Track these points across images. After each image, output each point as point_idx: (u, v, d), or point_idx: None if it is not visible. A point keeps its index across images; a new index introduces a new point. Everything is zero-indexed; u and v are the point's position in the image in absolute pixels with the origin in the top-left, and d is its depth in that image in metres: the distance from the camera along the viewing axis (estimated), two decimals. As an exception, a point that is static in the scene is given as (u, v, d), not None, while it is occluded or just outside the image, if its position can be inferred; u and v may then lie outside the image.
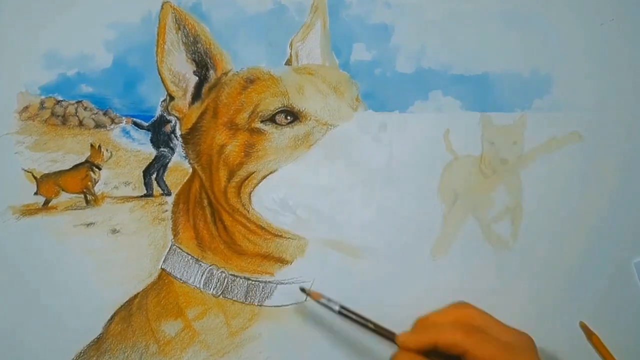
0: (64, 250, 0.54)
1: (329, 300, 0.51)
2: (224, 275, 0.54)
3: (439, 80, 0.57)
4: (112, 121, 0.56)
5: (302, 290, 0.52)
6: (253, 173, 0.55)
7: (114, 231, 0.55)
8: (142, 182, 0.55)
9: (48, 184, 0.55)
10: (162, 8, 0.56)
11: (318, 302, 0.51)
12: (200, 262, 0.54)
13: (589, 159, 0.56)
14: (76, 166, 0.55)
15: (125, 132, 0.56)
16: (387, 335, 0.50)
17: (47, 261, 0.54)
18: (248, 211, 0.55)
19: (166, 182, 0.55)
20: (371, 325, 0.50)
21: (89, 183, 0.55)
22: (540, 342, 0.56)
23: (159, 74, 0.56)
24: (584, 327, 0.55)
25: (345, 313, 0.50)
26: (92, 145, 0.55)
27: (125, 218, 0.55)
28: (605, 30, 0.57)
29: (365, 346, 0.54)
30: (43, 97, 0.55)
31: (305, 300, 0.54)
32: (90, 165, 0.55)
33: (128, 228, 0.55)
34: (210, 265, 0.55)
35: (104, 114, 0.56)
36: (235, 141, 0.55)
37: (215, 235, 0.55)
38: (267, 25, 0.57)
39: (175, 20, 0.55)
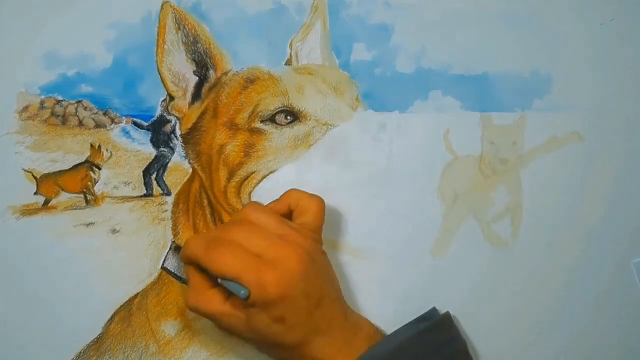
0: (63, 250, 0.54)
1: None
2: (223, 275, 0.54)
3: (439, 80, 0.57)
4: (112, 121, 0.56)
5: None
6: (253, 173, 0.55)
7: (114, 231, 0.54)
8: (142, 181, 0.55)
9: (48, 183, 0.55)
10: (162, 8, 0.56)
11: None
12: (200, 262, 0.54)
13: (589, 159, 0.56)
14: (76, 166, 0.55)
15: (125, 132, 0.56)
16: None
17: (47, 261, 0.54)
18: (248, 211, 0.55)
19: (166, 182, 0.55)
20: None
21: (89, 183, 0.55)
22: (541, 341, 0.56)
23: (159, 74, 0.55)
24: None
25: None
26: (92, 145, 0.55)
27: (125, 218, 0.55)
28: (605, 30, 0.57)
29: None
30: (43, 97, 0.55)
31: None
32: (90, 165, 0.55)
33: (128, 228, 0.55)
34: (210, 265, 0.55)
35: (104, 113, 0.56)
36: (235, 141, 0.55)
37: (215, 235, 0.55)
38: (267, 25, 0.57)
39: (175, 20, 0.55)
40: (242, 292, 0.45)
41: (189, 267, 0.49)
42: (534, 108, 0.57)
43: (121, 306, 0.54)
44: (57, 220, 0.54)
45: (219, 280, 0.47)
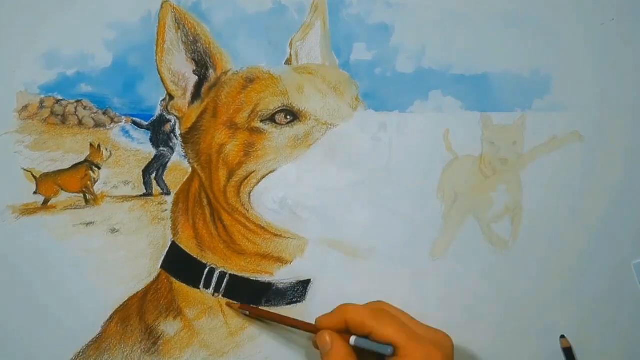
0: (63, 249, 0.54)
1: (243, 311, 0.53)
2: (223, 274, 0.54)
3: (439, 80, 0.57)
4: (112, 120, 0.56)
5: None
6: (252, 172, 0.55)
7: (114, 230, 0.54)
8: (142, 181, 0.55)
9: (47, 183, 0.55)
10: (161, 7, 0.56)
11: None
12: (200, 262, 0.54)
13: (590, 159, 0.56)
14: (75, 165, 0.55)
15: (125, 132, 0.56)
16: (307, 327, 0.52)
17: (46, 260, 0.54)
18: (247, 211, 0.55)
19: (165, 182, 0.55)
20: (290, 321, 0.52)
21: (89, 182, 0.55)
22: (541, 341, 0.56)
23: (159, 74, 0.55)
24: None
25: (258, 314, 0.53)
26: (91, 145, 0.55)
27: (124, 217, 0.55)
28: (605, 30, 0.57)
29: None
30: (42, 96, 0.55)
31: (302, 301, 0.54)
32: (89, 164, 0.55)
33: (127, 227, 0.55)
34: (209, 265, 0.55)
35: (104, 113, 0.56)
36: (234, 140, 0.55)
37: (215, 234, 0.55)
38: (267, 25, 0.57)
39: (175, 20, 0.55)
40: (389, 349, 0.48)
41: (332, 336, 0.50)
42: (534, 108, 0.57)
43: (120, 306, 0.54)
44: (56, 219, 0.54)
45: (354, 340, 0.49)
